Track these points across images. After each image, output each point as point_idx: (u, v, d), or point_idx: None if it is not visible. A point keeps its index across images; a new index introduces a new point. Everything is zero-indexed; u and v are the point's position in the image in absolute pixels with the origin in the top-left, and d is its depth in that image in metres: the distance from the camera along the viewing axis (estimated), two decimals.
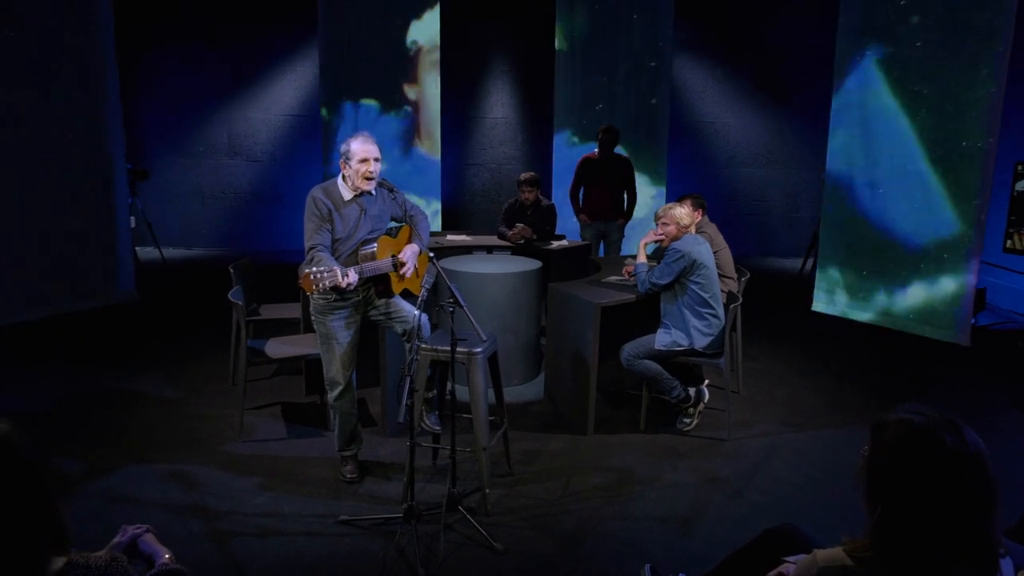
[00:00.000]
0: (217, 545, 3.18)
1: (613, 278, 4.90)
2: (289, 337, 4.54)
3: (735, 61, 9.81)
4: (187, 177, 9.93)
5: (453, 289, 3.22)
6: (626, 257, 5.89)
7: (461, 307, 3.20)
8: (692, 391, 4.44)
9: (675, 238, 4.34)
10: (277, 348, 4.34)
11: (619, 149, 7.06)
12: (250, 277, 5.12)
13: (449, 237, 6.65)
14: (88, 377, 5.16)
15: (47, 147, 6.40)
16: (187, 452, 4.06)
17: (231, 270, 4.81)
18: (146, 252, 9.00)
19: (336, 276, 3.27)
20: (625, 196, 6.88)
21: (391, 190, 3.61)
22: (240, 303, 4.14)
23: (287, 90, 9.71)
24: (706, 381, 4.61)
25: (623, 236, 6.92)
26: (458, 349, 3.38)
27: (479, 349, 3.46)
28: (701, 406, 4.51)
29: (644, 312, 4.71)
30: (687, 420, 4.47)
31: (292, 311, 5.05)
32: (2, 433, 1.53)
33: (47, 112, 6.38)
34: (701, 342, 4.24)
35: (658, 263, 4.52)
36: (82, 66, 6.61)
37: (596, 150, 6.83)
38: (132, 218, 8.62)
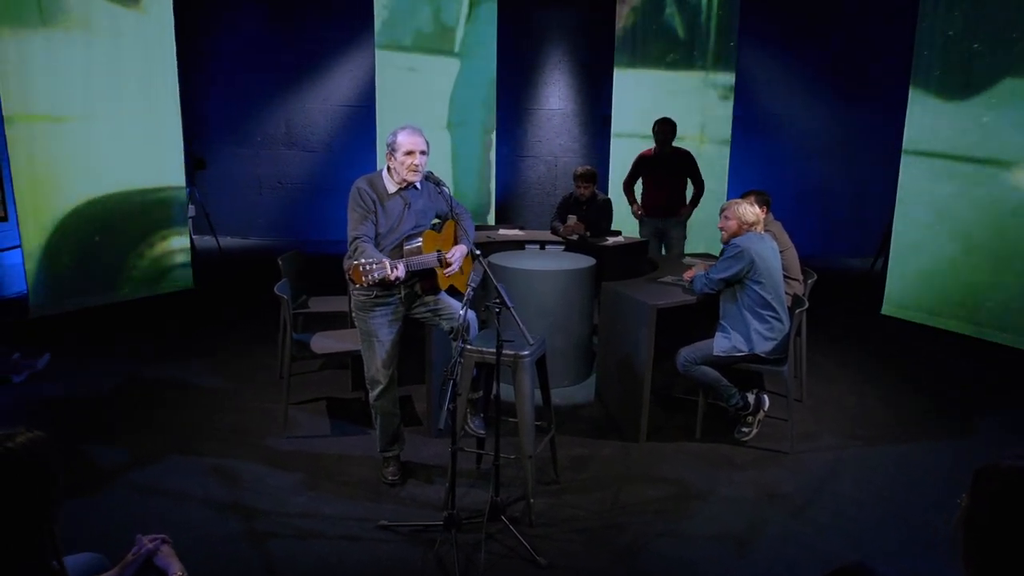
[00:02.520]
0: (254, 546, 3.11)
1: (670, 278, 4.68)
2: (335, 332, 4.46)
3: (803, 49, 9.37)
4: (245, 167, 10.03)
5: (500, 289, 3.06)
6: (686, 255, 5.65)
7: (508, 308, 3.05)
8: (751, 398, 4.20)
9: (734, 234, 4.09)
10: (322, 343, 4.26)
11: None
12: (300, 269, 5.08)
13: (501, 231, 6.51)
14: (141, 365, 5.20)
15: (112, 134, 6.48)
16: (230, 445, 4.02)
17: (279, 262, 4.76)
18: (204, 241, 9.11)
19: (385, 268, 3.16)
20: (687, 193, 6.52)
21: (438, 184, 3.48)
22: (286, 297, 4.08)
23: (344, 80, 9.69)
24: (768, 402, 4.33)
25: (685, 235, 6.55)
26: (504, 351, 3.23)
27: (526, 352, 3.30)
28: (761, 414, 4.26)
29: (702, 314, 4.48)
30: (745, 430, 4.23)
31: (341, 304, 4.97)
32: (18, 451, 1.42)
33: (112, 101, 6.46)
34: (762, 347, 3.99)
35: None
36: (143, 57, 6.67)
37: (653, 145, 6.54)
38: (192, 207, 8.76)
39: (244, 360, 5.34)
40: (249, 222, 10.15)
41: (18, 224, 6.03)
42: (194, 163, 8.17)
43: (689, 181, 6.52)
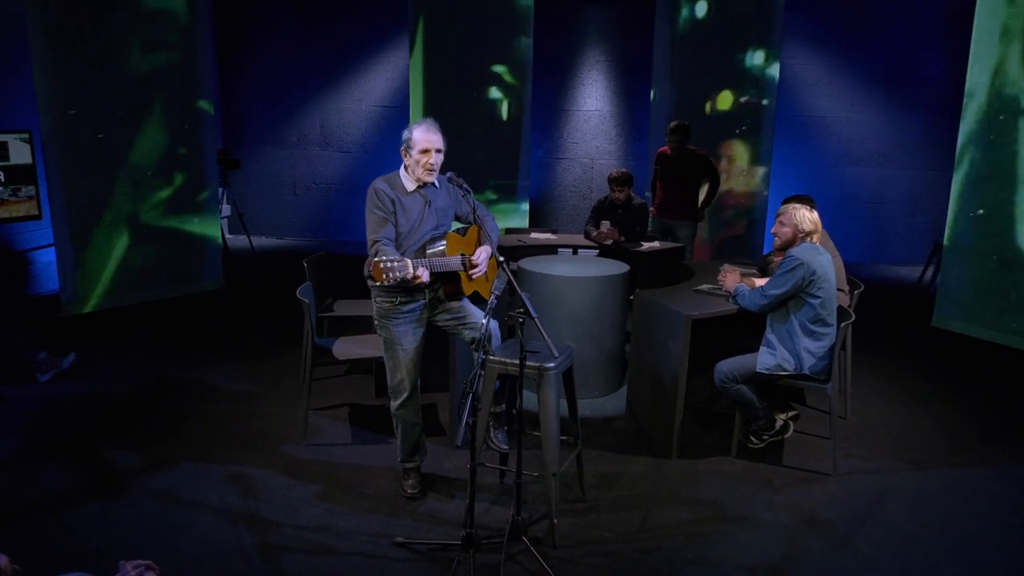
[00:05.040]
0: (265, 560, 3.00)
1: (707, 286, 4.47)
2: (358, 337, 4.35)
3: (852, 49, 9.03)
4: (281, 167, 10.03)
5: (524, 298, 2.90)
6: (723, 262, 5.41)
7: (532, 318, 2.88)
8: (780, 423, 3.98)
9: (790, 243, 3.85)
10: (345, 348, 4.15)
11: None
12: (328, 271, 4.98)
13: (533, 235, 6.35)
14: (167, 366, 5.15)
15: (146, 134, 6.48)
16: (249, 452, 3.93)
17: (305, 265, 4.67)
18: (238, 240, 9.11)
19: (407, 268, 3.03)
20: (700, 194, 6.53)
21: (460, 186, 3.32)
22: (307, 301, 3.97)
23: (378, 81, 9.63)
24: (792, 428, 4.13)
25: (693, 235, 6.54)
26: (529, 363, 3.07)
27: (551, 364, 3.13)
28: (779, 437, 4.05)
29: (742, 324, 4.26)
30: (754, 440, 4.04)
31: (367, 308, 4.78)
32: None
33: (148, 103, 6.46)
34: (810, 364, 3.74)
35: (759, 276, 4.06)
36: (181, 59, 6.66)
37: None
38: (228, 207, 8.76)
39: (271, 363, 5.26)
40: (284, 222, 10.15)
41: (52, 223, 6.05)
42: (228, 163, 8.14)
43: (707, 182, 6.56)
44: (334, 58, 9.64)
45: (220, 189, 7.76)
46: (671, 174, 6.43)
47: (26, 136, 6.01)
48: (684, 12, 7.56)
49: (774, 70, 7.53)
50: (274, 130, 9.93)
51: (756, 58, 7.52)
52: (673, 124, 6.34)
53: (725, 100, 7.62)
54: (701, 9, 7.54)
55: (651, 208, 6.56)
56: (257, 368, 5.17)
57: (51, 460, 3.80)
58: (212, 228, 7.16)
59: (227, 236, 8.59)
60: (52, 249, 6.25)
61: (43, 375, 4.78)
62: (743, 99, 7.55)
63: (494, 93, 8.26)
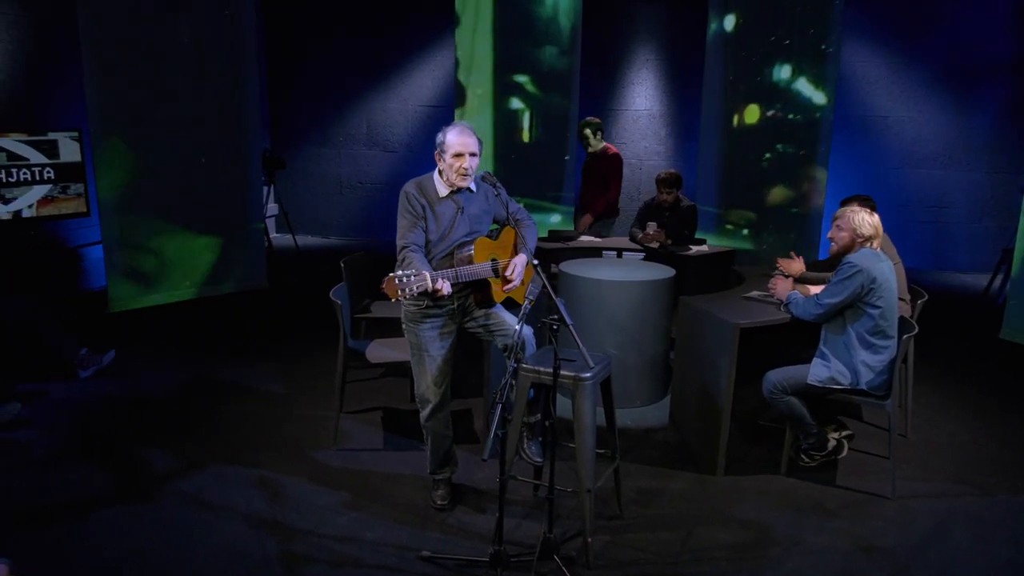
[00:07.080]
0: (287, 570, 2.91)
1: (757, 293, 4.24)
2: (392, 340, 4.24)
3: (915, 47, 8.61)
4: (327, 167, 10.05)
5: (559, 305, 2.74)
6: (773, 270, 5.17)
7: (567, 326, 2.72)
8: (832, 443, 3.76)
9: (847, 248, 3.60)
10: (378, 352, 4.05)
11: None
12: (366, 272, 4.90)
13: (579, 237, 6.18)
14: (205, 365, 5.14)
15: (192, 134, 6.52)
16: (279, 456, 3.86)
17: (342, 265, 4.58)
18: (285, 239, 9.15)
19: (425, 281, 2.88)
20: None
21: (494, 186, 3.19)
22: (339, 303, 3.88)
23: (425, 81, 9.57)
24: (847, 448, 3.90)
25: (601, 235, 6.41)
26: (564, 372, 2.91)
27: (587, 374, 2.96)
28: (832, 457, 3.82)
29: (794, 333, 4.02)
30: (806, 459, 3.83)
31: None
32: None
33: (195, 103, 6.50)
34: (867, 379, 3.49)
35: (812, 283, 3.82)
36: (229, 60, 6.68)
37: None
38: (274, 206, 8.80)
39: (308, 364, 5.21)
40: (330, 222, 10.17)
41: (100, 220, 6.12)
42: (273, 162, 8.16)
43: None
44: (380, 58, 9.61)
45: (265, 188, 7.78)
46: (584, 171, 6.69)
47: (75, 135, 6.10)
48: (729, 17, 7.27)
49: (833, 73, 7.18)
50: (320, 130, 9.96)
51: (808, 68, 7.18)
52: (584, 119, 6.53)
53: (752, 114, 7.31)
54: (742, 16, 7.24)
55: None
56: (293, 370, 5.12)
57: (81, 459, 3.79)
58: (256, 227, 7.16)
59: (272, 235, 8.63)
60: (100, 246, 6.32)
61: (84, 371, 4.81)
62: (770, 113, 7.21)
63: (537, 106, 8.05)
